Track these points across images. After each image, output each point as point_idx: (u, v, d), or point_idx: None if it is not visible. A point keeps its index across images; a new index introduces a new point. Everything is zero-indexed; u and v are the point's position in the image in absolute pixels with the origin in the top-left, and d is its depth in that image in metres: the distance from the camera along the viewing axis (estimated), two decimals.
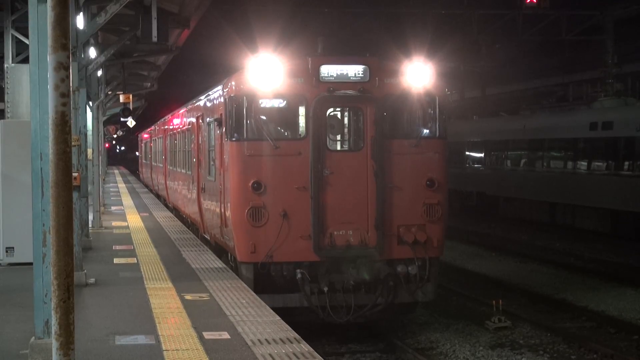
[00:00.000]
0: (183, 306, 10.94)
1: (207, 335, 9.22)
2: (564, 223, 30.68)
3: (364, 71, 13.69)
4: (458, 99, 49.43)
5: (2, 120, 15.24)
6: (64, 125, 4.98)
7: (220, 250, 16.13)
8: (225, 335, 9.24)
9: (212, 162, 16.28)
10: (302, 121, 13.79)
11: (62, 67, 4.93)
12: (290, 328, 9.57)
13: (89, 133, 21.03)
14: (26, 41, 16.36)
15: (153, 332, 9.41)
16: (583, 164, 29.18)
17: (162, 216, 25.22)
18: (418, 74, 13.87)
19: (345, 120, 14.25)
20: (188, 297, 11.60)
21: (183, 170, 22.52)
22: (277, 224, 13.36)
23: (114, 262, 15.37)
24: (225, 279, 13.20)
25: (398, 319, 15.27)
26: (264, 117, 13.96)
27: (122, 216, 25.32)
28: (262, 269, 13.41)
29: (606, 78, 36.60)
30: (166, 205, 29.91)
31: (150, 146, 40.01)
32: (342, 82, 13.65)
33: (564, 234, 29.44)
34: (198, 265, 14.68)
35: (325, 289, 13.34)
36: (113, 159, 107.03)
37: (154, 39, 16.70)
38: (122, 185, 46.19)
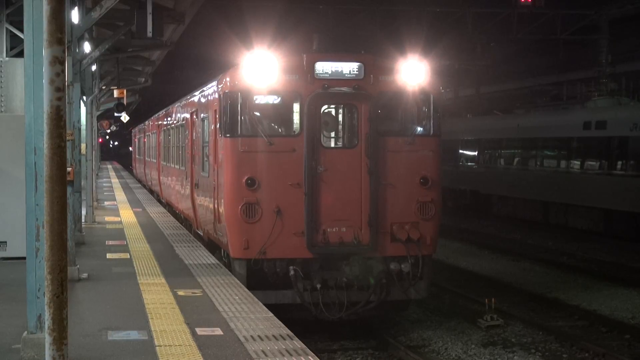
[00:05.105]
0: (176, 302, 10.93)
1: (200, 331, 9.21)
2: (557, 222, 30.75)
3: (359, 68, 13.69)
4: (452, 97, 49.48)
5: None
6: (59, 120, 4.98)
7: (214, 246, 16.12)
8: (218, 331, 9.24)
9: (206, 158, 16.26)
10: (296, 118, 13.78)
11: (57, 62, 4.93)
12: (283, 325, 9.57)
13: (83, 128, 20.99)
14: (21, 35, 16.32)
15: (146, 327, 9.40)
16: (576, 163, 29.24)
17: (156, 212, 25.19)
18: (413, 72, 13.88)
19: (340, 117, 14.25)
20: (181, 292, 11.59)
21: (177, 166, 22.49)
22: (271, 220, 13.36)
23: (107, 257, 15.35)
24: (218, 275, 13.19)
25: (391, 317, 15.28)
26: (258, 114, 13.95)
27: (115, 211, 25.28)
28: (255, 266, 13.41)
29: (600, 77, 36.68)
30: (159, 201, 29.87)
31: (144, 142, 39.95)
32: (337, 79, 13.64)
33: (557, 232, 29.50)
34: (191, 261, 14.67)
35: (318, 285, 13.35)
36: (106, 154, 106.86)
37: (149, 34, 16.68)
38: (115, 181, 46.12)
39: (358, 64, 13.70)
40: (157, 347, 8.48)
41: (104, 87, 29.08)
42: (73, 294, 11.22)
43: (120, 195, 33.36)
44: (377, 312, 14.07)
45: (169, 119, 25.82)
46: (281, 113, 14.17)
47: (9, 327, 9.28)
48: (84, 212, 19.68)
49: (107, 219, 22.72)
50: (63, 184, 5.07)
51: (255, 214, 13.39)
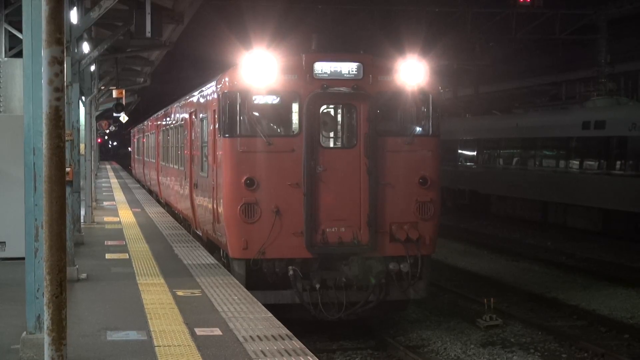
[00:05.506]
0: (175, 302, 10.93)
1: (199, 331, 9.21)
2: (556, 222, 30.74)
3: (358, 68, 13.69)
4: (451, 97, 49.46)
5: None
6: (58, 120, 4.98)
7: (213, 247, 16.12)
8: (217, 331, 9.24)
9: (205, 158, 16.26)
10: (295, 118, 13.79)
11: (56, 62, 4.93)
12: (282, 325, 9.57)
13: (82, 128, 20.98)
14: (20, 35, 16.33)
15: (145, 327, 9.39)
16: (575, 163, 29.24)
17: (154, 212, 25.18)
18: (412, 72, 13.88)
19: (339, 117, 14.25)
20: (180, 293, 11.58)
21: (176, 166, 22.49)
22: (270, 220, 13.36)
23: (106, 257, 15.35)
24: (217, 275, 13.19)
25: (390, 317, 15.28)
26: (257, 114, 13.95)
27: (114, 211, 25.28)
28: (254, 266, 13.40)
29: (599, 77, 36.68)
30: (158, 201, 29.86)
31: (143, 142, 39.94)
32: (336, 79, 13.64)
33: (556, 232, 29.50)
34: (190, 261, 14.67)
35: (317, 285, 13.35)
36: (105, 154, 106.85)
37: (148, 35, 16.66)
38: (114, 181, 46.11)
39: (357, 64, 13.71)
40: (156, 347, 8.48)
41: (102, 87, 29.06)
42: (72, 294, 11.21)
43: (119, 195, 33.35)
44: (376, 312, 14.07)
45: (168, 119, 25.81)
46: (280, 113, 14.17)
47: (8, 328, 9.27)
48: (83, 212, 19.67)
49: (106, 219, 22.71)
50: (62, 184, 5.07)
51: (254, 214, 13.39)
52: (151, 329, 9.29)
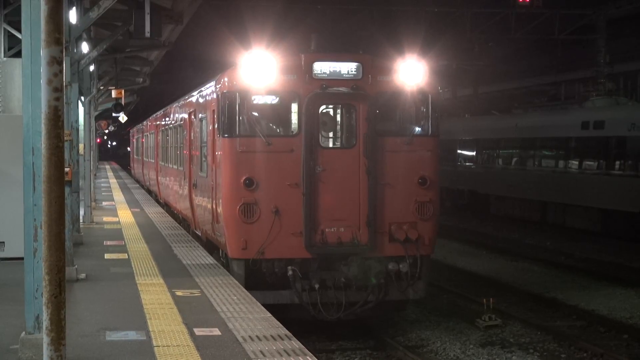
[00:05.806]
0: (174, 302, 10.93)
1: (198, 331, 9.21)
2: (555, 222, 30.75)
3: (357, 68, 13.69)
4: (450, 97, 49.47)
5: None
6: (57, 120, 4.98)
7: (212, 247, 16.12)
8: (216, 331, 9.24)
9: (204, 158, 16.26)
10: (294, 118, 13.78)
11: (55, 62, 4.92)
12: (281, 325, 9.57)
13: (81, 128, 20.97)
14: (19, 35, 16.32)
15: (144, 327, 9.39)
16: (574, 163, 29.24)
17: (154, 212, 25.17)
18: (411, 72, 13.88)
19: (338, 117, 14.24)
20: (179, 293, 11.58)
21: (175, 166, 22.48)
22: (269, 220, 13.36)
23: (105, 257, 15.35)
24: (216, 275, 13.19)
25: (389, 317, 15.28)
26: (256, 114, 13.94)
27: (114, 211, 25.27)
28: (253, 266, 13.40)
29: (598, 77, 36.70)
30: (157, 201, 29.86)
31: (142, 142, 39.93)
32: (335, 79, 13.64)
33: (555, 232, 29.50)
34: (189, 262, 14.67)
35: (317, 286, 13.35)
36: (104, 154, 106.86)
37: (147, 35, 16.65)
38: (113, 181, 46.10)
39: (356, 64, 13.70)
40: (155, 348, 8.47)
41: (102, 87, 29.05)
42: (71, 294, 11.22)
43: (118, 195, 33.34)
44: (375, 312, 14.07)
45: (167, 119, 25.80)
46: (279, 113, 14.16)
47: (7, 328, 9.27)
48: (82, 212, 19.67)
49: (105, 219, 22.70)
50: (61, 184, 5.07)
51: (254, 214, 13.38)
52: (150, 329, 9.29)
